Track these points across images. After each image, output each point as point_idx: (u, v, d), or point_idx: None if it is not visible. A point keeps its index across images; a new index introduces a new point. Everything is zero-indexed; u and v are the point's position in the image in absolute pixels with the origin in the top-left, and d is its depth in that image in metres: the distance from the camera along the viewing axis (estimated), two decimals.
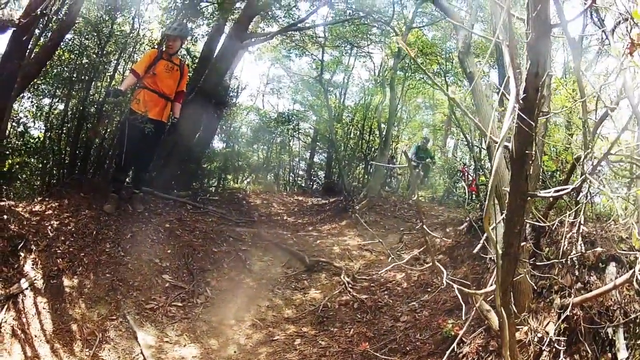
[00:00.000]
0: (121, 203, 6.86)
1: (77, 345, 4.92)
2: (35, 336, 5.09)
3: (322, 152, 15.43)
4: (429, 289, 5.52)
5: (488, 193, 2.05)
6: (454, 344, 3.75)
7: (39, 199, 7.05)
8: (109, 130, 8.23)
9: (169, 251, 6.18)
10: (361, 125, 13.54)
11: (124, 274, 5.75)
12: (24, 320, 5.29)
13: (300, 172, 15.90)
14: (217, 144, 11.98)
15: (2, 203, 6.76)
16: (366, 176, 13.49)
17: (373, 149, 13.30)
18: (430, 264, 6.14)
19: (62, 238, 6.11)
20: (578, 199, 3.51)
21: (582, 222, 3.21)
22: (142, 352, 4.66)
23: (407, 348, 4.59)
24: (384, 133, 11.67)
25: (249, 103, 15.55)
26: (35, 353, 4.92)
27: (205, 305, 5.46)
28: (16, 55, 6.65)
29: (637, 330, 3.29)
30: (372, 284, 6.05)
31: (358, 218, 8.76)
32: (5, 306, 5.39)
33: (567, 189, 2.43)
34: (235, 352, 4.75)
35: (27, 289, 5.53)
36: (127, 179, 7.24)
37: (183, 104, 7.33)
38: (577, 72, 2.83)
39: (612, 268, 3.76)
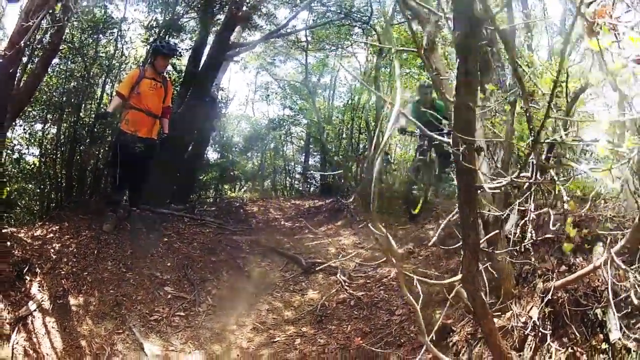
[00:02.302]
0: (119, 222, 7.12)
1: None
2: (47, 354, 5.33)
3: (317, 154, 15.63)
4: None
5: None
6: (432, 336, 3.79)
7: (39, 223, 7.35)
8: (102, 151, 8.50)
9: (168, 264, 6.45)
10: (351, 125, 13.76)
11: (127, 289, 6.02)
12: (35, 340, 5.53)
13: (297, 176, 16.08)
14: (212, 154, 12.21)
15: (5, 230, 7.04)
16: (361, 175, 13.66)
17: (365, 148, 13.49)
18: (423, 256, 6.45)
19: (65, 259, 6.40)
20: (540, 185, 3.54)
21: (532, 209, 3.29)
22: None
23: (402, 340, 4.80)
24: (374, 131, 11.86)
25: (239, 112, 15.80)
26: None
27: (208, 313, 5.72)
28: (5, 86, 6.95)
29: (629, 310, 3.24)
30: (367, 281, 6.25)
31: (352, 217, 8.97)
32: (16, 328, 5.67)
33: (515, 179, 2.60)
34: (238, 355, 5.02)
35: (35, 310, 5.79)
36: (123, 198, 7.47)
37: (172, 119, 7.59)
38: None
39: (599, 248, 3.76)
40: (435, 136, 2.94)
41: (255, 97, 17.03)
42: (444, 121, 5.44)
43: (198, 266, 6.50)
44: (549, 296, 3.46)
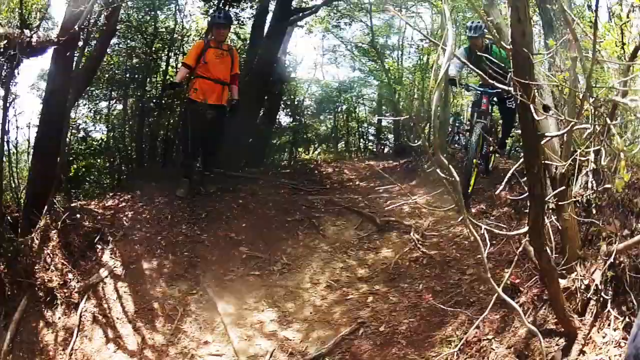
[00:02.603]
0: (193, 186, 7.28)
1: (159, 321, 5.35)
2: (117, 319, 5.53)
3: (389, 115, 15.43)
4: (494, 242, 5.64)
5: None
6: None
7: (110, 194, 7.62)
8: (171, 121, 8.75)
9: (243, 225, 6.51)
10: (422, 85, 13.50)
11: (201, 251, 6.13)
12: (105, 306, 5.72)
13: (370, 137, 15.96)
14: (284, 119, 12.31)
15: (73, 204, 7.38)
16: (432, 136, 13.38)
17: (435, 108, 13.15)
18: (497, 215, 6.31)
19: (138, 226, 6.60)
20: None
21: (592, 160, 3.15)
22: (222, 320, 5.02)
23: (471, 300, 4.69)
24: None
25: (308, 76, 15.76)
26: (117, 334, 5.38)
27: (282, 272, 5.74)
28: (63, 70, 7.26)
29: None
30: (440, 240, 6.14)
31: (426, 177, 8.85)
32: (85, 296, 5.95)
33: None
34: (311, 312, 5.01)
35: (106, 277, 5.98)
36: (197, 163, 7.66)
37: (241, 85, 7.68)
38: None
39: None
40: (498, 85, 2.77)
41: (324, 60, 16.90)
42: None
43: (273, 226, 6.51)
44: (611, 259, 3.31)
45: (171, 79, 8.31)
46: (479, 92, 6.95)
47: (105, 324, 5.58)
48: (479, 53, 5.87)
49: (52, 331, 5.98)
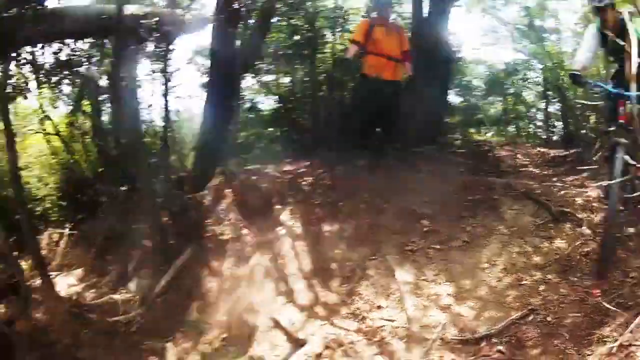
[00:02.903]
0: (372, 160, 7.62)
1: (335, 281, 5.72)
2: (292, 274, 5.99)
3: (555, 101, 14.84)
4: None
5: None
6: None
7: (288, 160, 8.22)
8: (345, 94, 9.09)
9: (425, 199, 6.68)
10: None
11: (383, 220, 6.40)
12: (280, 261, 6.23)
13: (538, 123, 15.46)
14: (454, 98, 12.28)
15: (250, 167, 7.94)
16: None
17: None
18: None
19: (319, 191, 7.08)
20: None
21: None
22: (399, 288, 5.24)
23: (629, 303, 4.48)
24: None
25: (472, 56, 15.54)
26: (289, 288, 5.83)
27: (461, 249, 5.84)
28: (227, 45, 7.85)
29: None
30: None
31: (597, 169, 8.53)
32: (259, 251, 6.43)
33: None
34: (485, 292, 5.10)
35: (284, 235, 6.49)
36: (373, 140, 7.93)
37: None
38: None
39: None
40: None
41: (485, 40, 16.54)
42: None
43: (453, 203, 6.63)
44: None
45: (338, 57, 8.65)
46: (614, 95, 4.94)
47: (278, 279, 6.06)
48: (609, 34, 4.67)
49: (217, 280, 6.56)
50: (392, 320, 4.97)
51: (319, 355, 4.74)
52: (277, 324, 5.39)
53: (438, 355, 4.42)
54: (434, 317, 4.83)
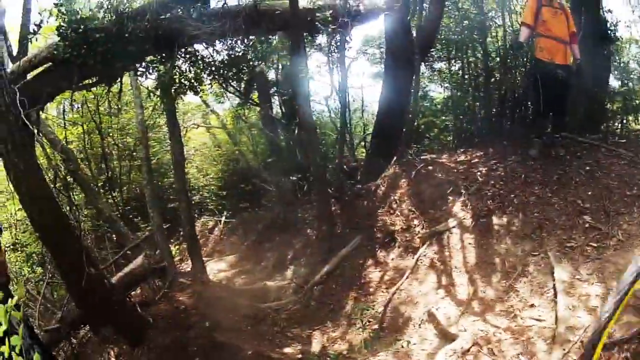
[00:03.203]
0: (544, 148, 7.94)
1: (496, 276, 6.29)
2: (455, 267, 6.70)
3: None
4: None
5: None
6: None
7: (461, 150, 8.83)
8: (518, 80, 9.45)
9: (589, 193, 6.93)
10: None
11: (550, 213, 6.83)
12: (446, 254, 6.95)
13: None
14: (613, 82, 11.98)
15: (425, 157, 8.59)
16: None
17: None
18: None
19: (492, 182, 7.62)
20: None
21: None
22: (554, 287, 5.68)
23: None
24: None
25: (626, 35, 14.78)
26: (450, 281, 6.54)
27: (615, 248, 6.01)
28: (403, 33, 8.58)
29: None
30: None
31: None
32: (427, 242, 7.13)
33: None
34: (629, 296, 5.29)
35: (454, 227, 7.20)
36: (547, 124, 8.23)
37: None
38: None
39: None
40: None
41: (634, 17, 15.51)
42: None
43: (614, 198, 6.76)
44: None
45: (510, 40, 9.00)
46: None
47: (441, 271, 6.81)
48: None
49: (380, 270, 7.44)
50: (541, 320, 5.44)
51: (465, 352, 5.30)
52: (431, 318, 6.10)
53: (574, 358, 4.77)
54: (580, 319, 5.16)
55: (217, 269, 10.38)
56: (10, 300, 2.29)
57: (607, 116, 10.36)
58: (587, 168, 7.41)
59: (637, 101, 11.43)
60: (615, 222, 6.45)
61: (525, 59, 9.20)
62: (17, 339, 2.17)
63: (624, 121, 11.61)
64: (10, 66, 7.55)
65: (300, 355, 5.70)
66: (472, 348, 5.34)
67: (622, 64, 11.73)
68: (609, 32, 10.00)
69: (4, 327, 2.20)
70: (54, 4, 7.20)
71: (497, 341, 5.35)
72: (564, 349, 4.89)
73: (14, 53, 7.80)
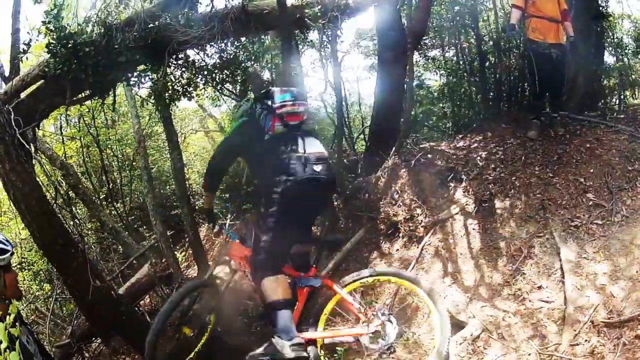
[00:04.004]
0: (543, 128, 8.01)
1: (502, 261, 6.29)
2: (460, 254, 6.69)
3: None
4: None
5: None
6: None
7: (460, 136, 8.81)
8: (513, 62, 9.49)
9: (591, 170, 6.95)
10: None
11: (552, 193, 6.84)
12: (450, 241, 6.93)
13: None
14: (608, 58, 11.98)
15: (424, 145, 8.60)
16: None
17: None
18: None
19: (492, 166, 7.63)
20: None
21: None
22: (561, 267, 5.70)
23: None
24: None
25: (618, 10, 14.80)
26: (456, 269, 6.53)
27: (620, 224, 6.03)
28: (394, 23, 9.23)
29: None
30: None
31: None
32: (431, 231, 7.14)
33: None
34: (637, 271, 5.28)
35: (457, 213, 7.19)
36: (545, 104, 8.31)
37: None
38: None
39: None
40: None
41: None
42: None
43: (616, 174, 6.79)
44: None
45: (504, 23, 9.05)
46: None
47: (446, 259, 6.78)
48: None
49: (385, 261, 7.51)
50: (550, 302, 5.47)
51: (475, 339, 5.36)
52: None
53: (585, 338, 4.81)
54: (589, 298, 5.18)
55: (224, 272, 10.42)
56: (8, 317, 2.32)
57: (604, 93, 10.38)
58: (588, 145, 7.43)
59: (634, 76, 11.47)
60: (619, 198, 6.46)
61: (518, 41, 9.28)
62: (15, 355, 2.19)
63: (622, 97, 11.65)
64: (3, 87, 7.62)
65: (310, 353, 5.69)
66: (481, 334, 5.37)
67: (615, 40, 11.77)
68: (601, 8, 10.00)
69: (4, 344, 2.23)
70: (42, 21, 7.22)
71: (507, 325, 5.38)
72: (574, 330, 4.92)
73: (6, 74, 7.84)
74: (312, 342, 5.21)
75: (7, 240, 3.66)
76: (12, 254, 3.69)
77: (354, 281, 5.56)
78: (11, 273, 3.67)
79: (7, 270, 3.62)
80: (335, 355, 5.50)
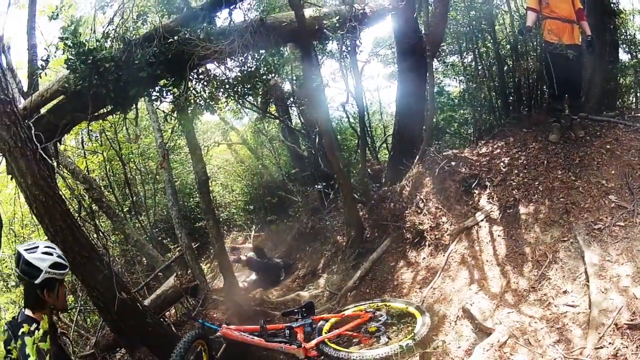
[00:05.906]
0: (564, 131, 7.96)
1: (527, 266, 6.31)
2: (486, 261, 6.71)
3: None
4: None
5: None
6: None
7: (482, 142, 8.83)
8: (531, 65, 9.48)
9: (612, 172, 6.91)
10: None
11: (575, 197, 6.83)
12: (476, 248, 6.97)
13: None
14: (622, 56, 11.87)
15: (447, 152, 8.62)
16: None
17: None
18: None
19: (515, 171, 7.65)
20: None
21: None
22: (585, 271, 5.69)
23: None
24: None
25: (629, 7, 14.62)
26: (482, 275, 6.55)
27: None
28: (412, 31, 9.05)
29: None
30: None
31: None
32: (457, 239, 7.16)
33: None
34: None
35: (482, 220, 7.22)
36: (564, 106, 8.24)
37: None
38: None
39: None
40: None
41: None
42: None
43: (636, 174, 6.76)
44: None
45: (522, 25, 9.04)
46: None
47: (472, 266, 6.83)
48: None
49: (412, 270, 7.48)
50: (575, 306, 5.46)
51: (502, 345, 5.34)
52: (466, 313, 6.15)
53: (609, 341, 4.80)
54: (613, 301, 5.17)
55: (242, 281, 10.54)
56: (37, 332, 2.39)
57: (621, 91, 10.31)
58: (608, 147, 7.41)
59: None
60: (639, 198, 6.45)
61: (535, 43, 9.27)
62: None
63: (639, 95, 11.53)
64: (22, 102, 7.77)
65: None
66: (508, 340, 5.37)
67: (629, 37, 11.67)
68: (612, 5, 9.96)
69: (32, 358, 2.30)
70: (59, 37, 7.37)
71: (533, 331, 5.39)
72: (599, 333, 4.91)
73: (24, 89, 7.98)
74: None
75: (63, 257, 3.83)
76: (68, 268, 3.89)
77: None
78: (63, 287, 3.86)
79: (61, 283, 3.81)
80: None
